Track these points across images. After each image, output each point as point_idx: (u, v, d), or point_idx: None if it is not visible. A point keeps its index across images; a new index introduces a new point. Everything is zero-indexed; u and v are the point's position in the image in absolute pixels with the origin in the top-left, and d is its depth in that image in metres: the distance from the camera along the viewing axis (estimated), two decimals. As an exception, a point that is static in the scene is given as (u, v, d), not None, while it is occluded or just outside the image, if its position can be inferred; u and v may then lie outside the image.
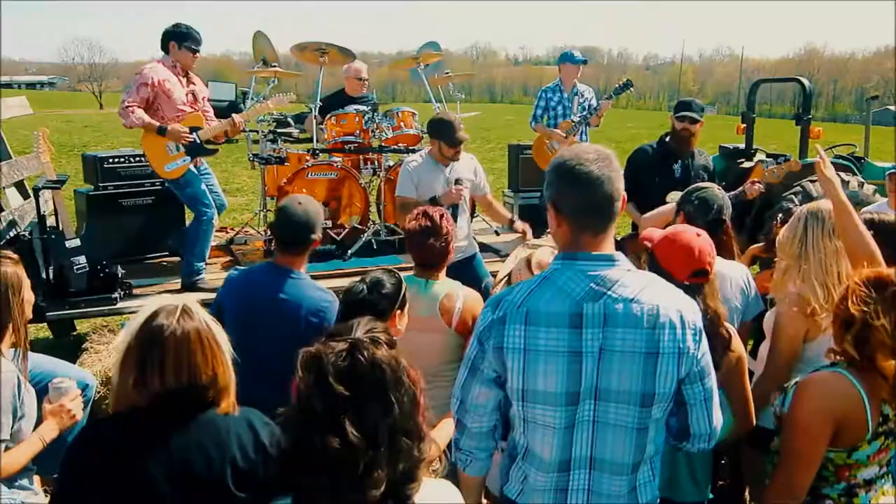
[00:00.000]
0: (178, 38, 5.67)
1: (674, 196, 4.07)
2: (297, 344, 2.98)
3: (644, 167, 5.48)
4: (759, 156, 8.47)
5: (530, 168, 7.95)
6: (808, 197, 6.79)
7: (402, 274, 3.43)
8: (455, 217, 4.73)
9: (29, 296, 2.84)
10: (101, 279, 5.30)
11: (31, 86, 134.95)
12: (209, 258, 6.09)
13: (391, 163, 6.89)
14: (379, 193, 6.92)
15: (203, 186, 5.75)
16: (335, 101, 7.32)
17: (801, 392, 2.41)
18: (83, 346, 5.10)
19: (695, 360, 2.05)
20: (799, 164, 5.16)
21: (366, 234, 6.65)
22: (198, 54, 5.79)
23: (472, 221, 5.22)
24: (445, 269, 3.44)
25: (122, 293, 5.38)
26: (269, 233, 6.85)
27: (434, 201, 4.67)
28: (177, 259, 6.55)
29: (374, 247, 6.70)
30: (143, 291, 5.66)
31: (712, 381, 2.13)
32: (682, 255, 2.58)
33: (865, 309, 2.28)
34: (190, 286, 5.72)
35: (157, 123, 5.48)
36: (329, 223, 6.59)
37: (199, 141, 5.64)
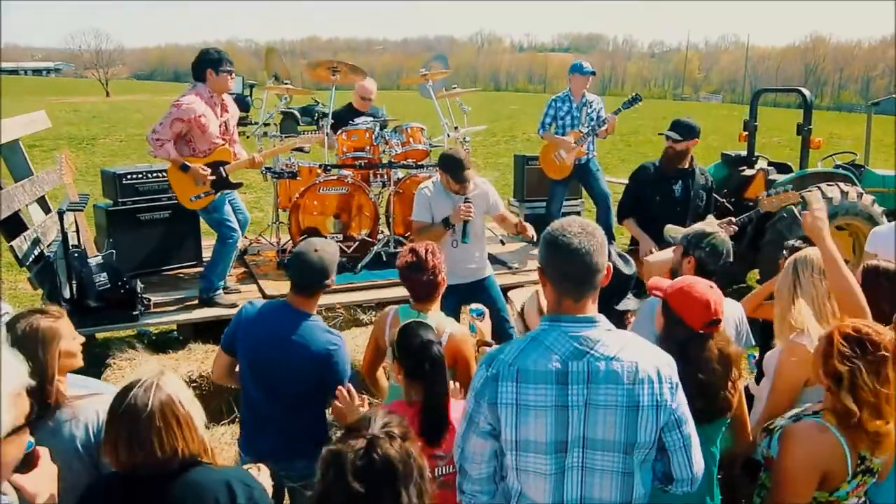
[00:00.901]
0: (214, 65, 5.67)
1: (671, 231, 4.21)
2: (303, 380, 3.22)
3: (646, 184, 5.67)
4: (761, 163, 8.62)
5: (535, 178, 8.13)
6: (796, 219, 6.99)
7: (398, 306, 3.67)
8: (465, 234, 4.94)
9: (68, 346, 2.93)
10: (122, 295, 5.51)
11: (37, 72, 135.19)
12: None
13: (400, 175, 7.08)
14: (388, 205, 7.12)
15: (227, 209, 5.90)
16: (345, 115, 7.51)
17: (788, 444, 2.59)
18: (106, 360, 5.30)
19: (672, 411, 2.24)
20: (797, 196, 5.31)
21: (376, 247, 6.86)
22: (234, 73, 5.85)
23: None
24: (439, 299, 3.65)
25: (142, 309, 5.59)
26: (280, 243, 7.08)
27: (446, 222, 4.85)
28: (193, 270, 6.79)
29: (384, 258, 6.90)
30: (161, 308, 5.88)
31: (690, 428, 2.31)
32: (699, 306, 2.74)
33: (851, 366, 2.46)
34: (207, 301, 5.93)
35: (182, 160, 5.60)
36: (340, 236, 6.81)
37: (224, 175, 5.78)
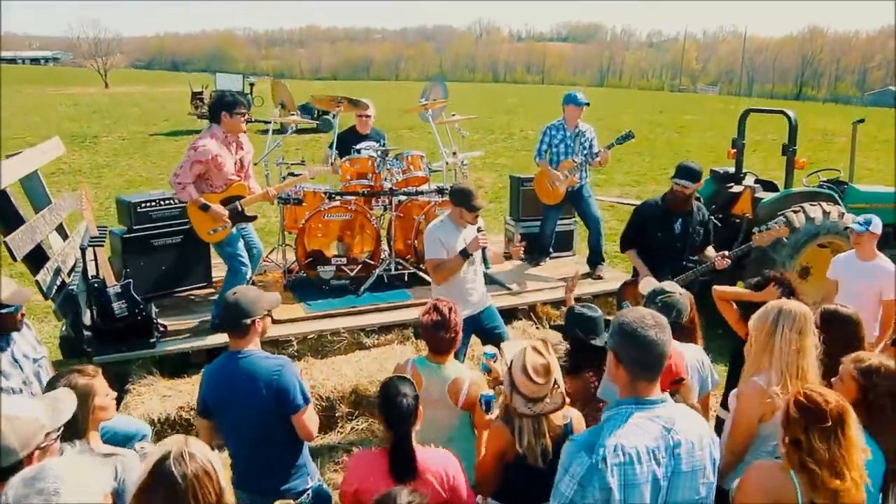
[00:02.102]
0: (229, 108, 6.01)
1: (644, 285, 4.54)
2: (263, 410, 3.59)
3: (649, 220, 6.04)
4: (748, 180, 8.93)
5: (531, 199, 8.48)
6: (790, 229, 7.35)
7: (415, 358, 3.99)
8: (485, 261, 5.37)
9: (102, 402, 3.29)
10: (139, 322, 5.85)
11: (35, 61, 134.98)
12: (232, 293, 6.64)
13: (402, 198, 7.42)
14: (389, 228, 7.47)
15: (241, 245, 6.22)
16: (349, 137, 7.86)
17: (745, 480, 2.95)
18: (125, 387, 5.64)
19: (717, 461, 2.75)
20: (786, 231, 5.71)
21: (377, 270, 7.21)
22: (248, 115, 6.19)
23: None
24: (454, 352, 3.98)
25: (158, 336, 5.93)
26: (287, 264, 7.42)
27: (464, 253, 5.14)
28: (204, 292, 7.13)
29: (385, 280, 7.27)
30: (175, 333, 6.23)
31: None
32: (664, 373, 3.09)
33: (805, 433, 2.75)
34: (218, 327, 6.26)
35: (202, 201, 5.94)
36: (344, 259, 7.15)
37: (240, 209, 6.13)
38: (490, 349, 4.40)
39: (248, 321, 3.64)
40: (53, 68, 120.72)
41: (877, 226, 5.56)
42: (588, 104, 7.84)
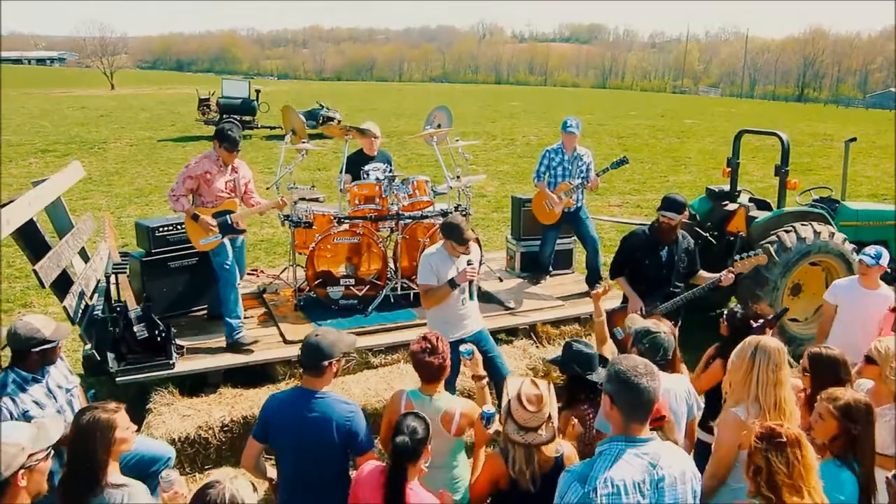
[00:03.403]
0: (220, 139, 6.66)
1: (630, 321, 4.81)
2: (330, 450, 3.93)
3: (637, 249, 6.33)
4: (743, 198, 9.22)
5: (531, 219, 8.80)
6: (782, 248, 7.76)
7: (409, 390, 4.30)
8: (471, 294, 5.65)
9: (123, 435, 3.56)
10: (158, 344, 6.17)
11: (41, 61, 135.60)
12: (246, 311, 7.05)
13: (408, 220, 7.74)
14: (396, 249, 7.81)
15: (230, 255, 6.76)
16: (356, 159, 8.21)
17: None
18: (147, 406, 5.96)
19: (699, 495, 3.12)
20: (765, 259, 6.06)
21: (384, 291, 7.55)
22: (235, 153, 6.77)
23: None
24: (444, 381, 4.28)
25: (176, 357, 6.25)
26: (297, 283, 7.75)
27: (452, 283, 5.44)
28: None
29: (392, 300, 7.60)
30: (192, 354, 6.56)
31: None
32: None
33: (764, 456, 3.07)
34: (233, 346, 6.65)
35: (194, 211, 6.62)
36: (352, 280, 7.48)
37: (230, 222, 6.70)
38: (465, 348, 4.70)
39: (326, 363, 3.96)
40: (59, 69, 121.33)
41: (885, 259, 5.92)
42: (578, 130, 8.26)
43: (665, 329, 4.35)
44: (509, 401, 3.60)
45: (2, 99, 40.09)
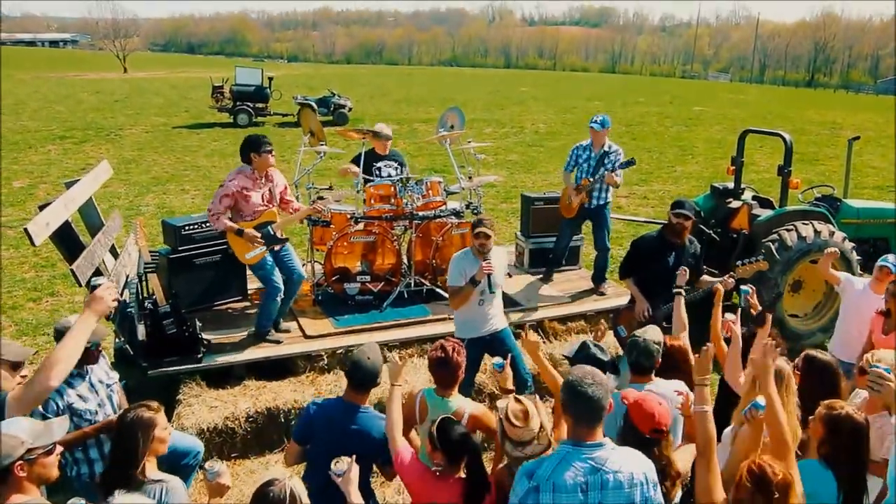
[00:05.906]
0: (256, 148, 6.76)
1: (643, 332, 5.08)
2: (367, 458, 4.23)
3: (646, 252, 6.64)
4: (747, 195, 9.47)
5: (540, 217, 9.13)
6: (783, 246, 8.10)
7: (424, 390, 4.64)
8: (490, 286, 5.91)
9: (161, 434, 3.89)
10: (186, 339, 6.52)
11: (54, 43, 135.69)
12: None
13: (421, 219, 8.06)
14: (410, 247, 8.15)
15: (275, 270, 6.89)
16: (368, 158, 8.50)
17: None
18: (177, 398, 6.32)
19: (654, 500, 3.29)
20: (766, 265, 6.31)
21: (398, 287, 7.91)
22: (272, 154, 6.89)
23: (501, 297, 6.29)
24: (457, 386, 4.57)
25: (203, 351, 6.60)
26: (315, 278, 8.08)
27: (473, 281, 5.82)
28: (240, 305, 7.83)
29: (406, 296, 7.95)
30: (218, 347, 6.90)
31: None
32: (646, 417, 3.69)
33: (751, 499, 3.17)
34: (259, 336, 7.05)
35: (237, 227, 6.71)
36: (368, 277, 7.82)
37: (272, 233, 6.85)
38: (497, 360, 4.84)
39: (377, 381, 4.34)
40: (73, 51, 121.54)
41: None
42: (608, 127, 8.43)
43: (651, 338, 4.58)
44: (501, 422, 3.85)
45: (2, 81, 40.41)
